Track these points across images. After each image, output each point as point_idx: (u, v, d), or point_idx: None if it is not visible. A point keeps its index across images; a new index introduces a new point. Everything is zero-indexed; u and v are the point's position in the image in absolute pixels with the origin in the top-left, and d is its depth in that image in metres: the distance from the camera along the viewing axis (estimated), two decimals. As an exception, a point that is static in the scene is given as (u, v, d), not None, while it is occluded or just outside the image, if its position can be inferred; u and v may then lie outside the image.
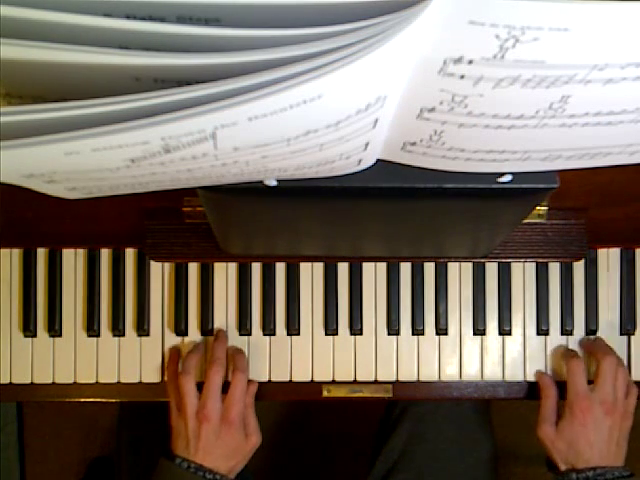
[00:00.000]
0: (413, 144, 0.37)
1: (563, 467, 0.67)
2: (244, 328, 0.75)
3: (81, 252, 0.75)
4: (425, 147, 0.37)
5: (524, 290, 0.75)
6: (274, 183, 0.42)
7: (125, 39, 0.27)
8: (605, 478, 0.65)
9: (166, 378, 0.73)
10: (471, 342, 0.75)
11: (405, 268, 0.75)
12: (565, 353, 0.73)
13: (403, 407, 0.86)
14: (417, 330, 0.75)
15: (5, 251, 0.75)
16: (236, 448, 0.68)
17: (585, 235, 0.72)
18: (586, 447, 0.66)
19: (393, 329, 0.75)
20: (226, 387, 0.70)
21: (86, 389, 0.74)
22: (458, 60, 0.27)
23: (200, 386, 0.69)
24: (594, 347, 0.72)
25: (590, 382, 0.69)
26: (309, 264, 0.75)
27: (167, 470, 0.66)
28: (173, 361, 0.73)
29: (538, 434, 0.69)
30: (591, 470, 0.65)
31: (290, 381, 0.74)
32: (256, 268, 0.75)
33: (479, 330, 0.75)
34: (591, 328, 0.75)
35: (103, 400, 0.75)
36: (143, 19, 0.27)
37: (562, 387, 0.71)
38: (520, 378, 0.75)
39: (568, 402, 0.68)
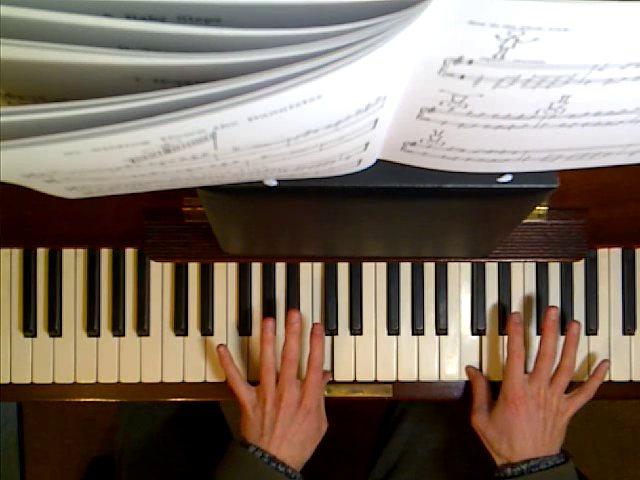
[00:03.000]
0: (413, 144, 0.37)
1: (499, 461, 0.67)
2: (244, 328, 0.75)
3: (81, 252, 0.75)
4: (425, 147, 0.37)
5: (524, 290, 0.75)
6: (274, 183, 0.42)
7: (125, 39, 0.27)
8: (540, 469, 0.65)
9: (227, 379, 0.71)
10: (471, 342, 0.75)
11: (405, 268, 0.75)
12: (510, 349, 0.70)
13: (404, 407, 0.86)
14: (417, 330, 0.75)
15: (5, 251, 0.75)
16: (311, 436, 0.69)
17: (585, 235, 0.72)
18: (519, 436, 0.66)
19: (393, 329, 0.75)
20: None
21: (86, 389, 0.74)
22: (458, 60, 0.27)
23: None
24: (567, 345, 0.71)
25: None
26: (309, 264, 0.75)
27: (239, 457, 0.66)
28: (225, 360, 0.71)
29: (472, 423, 0.70)
30: (525, 463, 0.65)
31: (290, 381, 0.74)
32: (256, 268, 0.75)
33: (479, 330, 0.75)
34: (591, 328, 0.75)
35: (103, 400, 0.75)
36: (143, 19, 0.27)
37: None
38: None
39: (503, 392, 0.68)
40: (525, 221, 0.71)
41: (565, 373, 0.69)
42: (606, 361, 0.73)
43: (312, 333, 0.71)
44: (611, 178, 0.71)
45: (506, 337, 0.75)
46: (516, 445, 0.66)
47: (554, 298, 0.75)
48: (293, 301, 0.75)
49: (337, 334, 0.75)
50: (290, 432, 0.67)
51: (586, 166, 0.41)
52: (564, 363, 0.69)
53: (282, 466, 0.66)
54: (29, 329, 0.74)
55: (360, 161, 0.40)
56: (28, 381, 0.74)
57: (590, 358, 0.75)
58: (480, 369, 0.75)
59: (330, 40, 0.26)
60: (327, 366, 0.75)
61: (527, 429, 0.66)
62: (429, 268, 0.76)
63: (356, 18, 0.26)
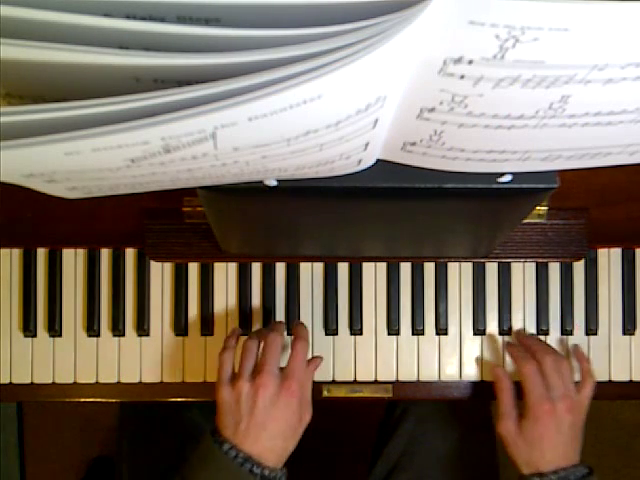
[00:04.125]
0: (413, 144, 0.37)
1: (526, 470, 0.65)
2: (244, 328, 0.75)
3: (81, 252, 0.75)
4: (425, 147, 0.37)
5: (524, 290, 0.75)
6: (274, 183, 0.42)
7: (125, 39, 0.27)
8: (568, 479, 0.64)
9: (223, 347, 0.66)
10: (471, 342, 0.75)
11: (405, 268, 0.75)
12: (514, 354, 0.71)
13: (404, 407, 0.86)
14: (417, 330, 0.75)
15: (5, 251, 0.75)
16: (293, 424, 0.62)
17: (585, 235, 0.72)
18: (549, 449, 0.64)
19: (393, 329, 0.75)
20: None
21: (86, 389, 0.74)
22: (458, 60, 0.27)
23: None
24: (529, 344, 0.71)
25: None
26: (309, 264, 0.75)
27: (211, 455, 0.60)
28: (235, 334, 0.68)
29: (498, 430, 0.67)
30: (554, 474, 0.64)
31: (290, 381, 0.74)
32: (256, 268, 0.75)
33: (479, 330, 0.75)
34: (591, 328, 0.75)
35: (103, 400, 0.75)
36: (143, 19, 0.27)
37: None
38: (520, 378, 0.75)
39: (530, 405, 0.66)
40: (525, 221, 0.71)
41: (566, 368, 0.68)
42: (577, 345, 0.74)
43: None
44: (611, 178, 0.71)
45: (506, 337, 0.75)
46: (546, 456, 0.64)
47: (554, 298, 0.75)
48: (293, 301, 0.75)
49: (337, 334, 0.75)
50: (270, 418, 0.60)
51: (586, 166, 0.41)
52: (563, 359, 0.69)
53: (257, 467, 0.59)
54: (29, 329, 0.74)
55: (360, 161, 0.40)
56: (28, 381, 0.74)
57: (590, 358, 0.75)
58: (480, 369, 0.75)
59: (330, 40, 0.26)
60: (327, 366, 0.74)
61: (558, 440, 0.65)
62: (429, 268, 0.76)
63: (356, 18, 0.26)
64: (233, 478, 0.59)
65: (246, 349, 0.64)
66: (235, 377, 0.62)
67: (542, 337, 0.75)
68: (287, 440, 0.62)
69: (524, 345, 0.72)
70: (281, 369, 0.64)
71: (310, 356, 0.72)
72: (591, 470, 0.66)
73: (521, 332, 0.75)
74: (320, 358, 0.71)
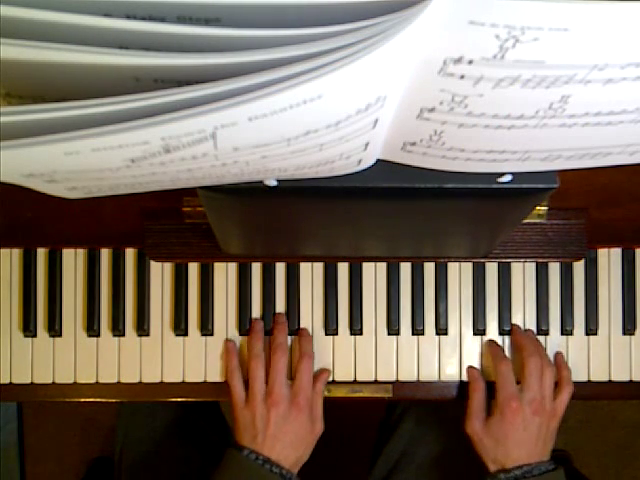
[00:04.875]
0: (413, 144, 0.37)
1: (492, 467, 0.67)
2: (244, 328, 0.75)
3: (81, 252, 0.75)
4: (425, 147, 0.37)
5: (524, 290, 0.75)
6: (274, 183, 0.42)
7: (125, 39, 0.27)
8: (532, 475, 0.65)
9: (226, 373, 0.72)
10: (471, 342, 0.75)
11: (405, 268, 0.75)
12: (492, 352, 0.73)
13: (404, 407, 0.86)
14: (417, 330, 0.75)
15: (5, 251, 0.75)
16: (304, 436, 0.68)
17: (585, 235, 0.72)
18: (514, 446, 0.66)
19: (393, 329, 0.75)
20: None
21: (86, 389, 0.74)
22: (458, 60, 0.27)
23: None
24: (522, 344, 0.72)
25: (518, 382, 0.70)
26: (309, 264, 0.75)
27: (234, 461, 0.66)
28: (232, 354, 0.72)
29: (466, 429, 0.69)
30: (518, 469, 0.66)
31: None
32: (256, 268, 0.75)
33: (479, 330, 0.75)
34: (591, 328, 0.75)
35: (103, 400, 0.75)
36: (143, 19, 0.27)
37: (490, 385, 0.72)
38: (520, 378, 0.75)
39: (498, 403, 0.68)
40: (525, 221, 0.71)
41: (549, 374, 0.69)
42: (559, 353, 0.74)
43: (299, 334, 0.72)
44: (611, 178, 0.71)
45: (506, 337, 0.75)
46: (512, 454, 0.66)
47: (554, 298, 0.75)
48: (293, 301, 0.75)
49: (337, 334, 0.75)
50: (282, 432, 0.67)
51: (586, 166, 0.41)
52: (549, 365, 0.70)
53: (277, 467, 0.66)
54: (29, 329, 0.74)
55: (360, 161, 0.40)
56: (28, 381, 0.74)
57: (590, 358, 0.75)
58: (480, 369, 0.75)
59: (330, 40, 0.26)
60: (327, 366, 0.74)
61: (523, 438, 0.66)
62: (429, 268, 0.76)
63: (356, 18, 0.26)
64: (255, 476, 0.65)
65: (253, 373, 0.69)
66: (249, 399, 0.69)
67: (542, 337, 0.75)
68: (299, 449, 0.68)
69: (517, 343, 0.73)
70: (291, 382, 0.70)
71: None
72: (557, 466, 0.67)
73: (519, 329, 0.75)
74: (327, 372, 0.73)
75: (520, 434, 0.66)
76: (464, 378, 0.75)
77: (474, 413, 0.69)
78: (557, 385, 0.71)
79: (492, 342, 0.74)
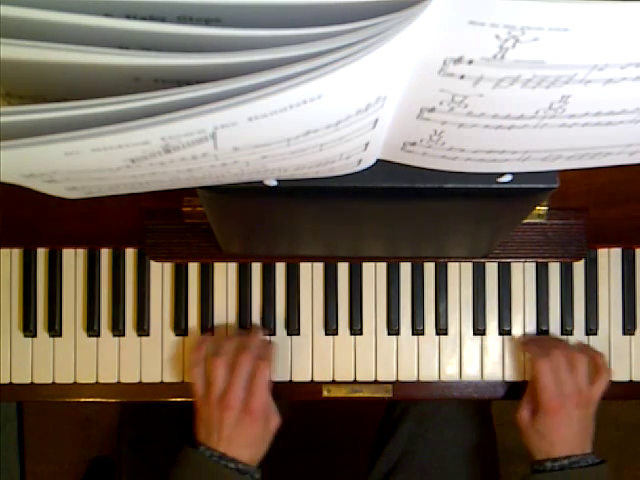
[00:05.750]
0: (413, 144, 0.37)
1: (539, 456, 0.68)
2: (244, 328, 0.75)
3: (81, 252, 0.75)
4: (425, 147, 0.37)
5: (524, 290, 0.75)
6: (274, 183, 0.42)
7: (125, 39, 0.27)
8: (580, 466, 0.66)
9: (190, 363, 0.71)
10: (471, 342, 0.75)
11: (405, 268, 0.75)
12: (530, 350, 0.73)
13: (404, 407, 0.86)
14: (417, 330, 0.75)
15: (5, 251, 0.75)
16: (258, 436, 0.68)
17: (585, 235, 0.72)
18: (559, 441, 0.67)
19: (393, 329, 0.75)
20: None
21: (86, 389, 0.74)
22: (458, 60, 0.27)
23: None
24: (543, 344, 0.72)
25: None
26: (309, 264, 0.75)
27: (190, 457, 0.66)
28: (198, 348, 0.71)
29: (515, 416, 0.70)
30: (566, 459, 0.67)
31: (290, 381, 0.74)
32: (256, 268, 0.75)
33: (479, 330, 0.75)
34: (591, 328, 0.75)
35: (103, 400, 0.75)
36: (143, 19, 0.27)
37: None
38: (520, 378, 0.75)
39: (541, 401, 0.68)
40: (525, 221, 0.71)
41: (581, 363, 0.69)
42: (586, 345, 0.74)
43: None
44: (611, 178, 0.71)
45: (506, 337, 0.75)
46: (557, 446, 0.67)
47: (554, 298, 0.75)
48: (293, 301, 0.75)
49: (337, 334, 0.75)
50: (235, 434, 0.66)
51: (586, 166, 0.41)
52: (577, 354, 0.70)
53: (232, 462, 0.65)
54: (29, 329, 0.74)
55: (360, 161, 0.40)
56: (28, 381, 0.74)
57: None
58: (481, 369, 0.75)
59: (330, 40, 0.26)
60: (327, 366, 0.75)
61: (567, 433, 0.67)
62: (429, 268, 0.75)
63: (356, 18, 0.26)
64: (211, 473, 0.65)
65: (212, 372, 0.68)
66: (207, 397, 0.67)
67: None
68: (255, 447, 0.68)
69: (537, 340, 0.73)
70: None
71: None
72: (602, 460, 0.68)
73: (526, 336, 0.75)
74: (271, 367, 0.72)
75: (564, 429, 0.67)
76: (464, 378, 0.75)
77: (525, 402, 0.70)
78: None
79: (528, 341, 0.74)
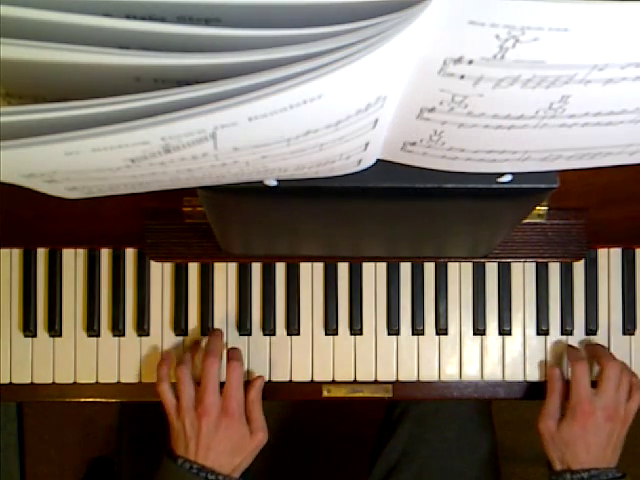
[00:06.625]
0: (413, 144, 0.37)
1: (559, 466, 0.67)
2: (244, 328, 0.75)
3: (81, 252, 0.75)
4: (425, 147, 0.37)
5: (524, 290, 0.75)
6: (274, 183, 0.42)
7: (125, 39, 0.27)
8: (599, 479, 0.65)
9: (156, 380, 0.70)
10: (471, 342, 0.75)
11: (405, 268, 0.75)
12: (570, 354, 0.73)
13: (404, 407, 0.86)
14: (417, 330, 0.75)
15: (5, 251, 0.75)
16: (239, 443, 0.66)
17: (585, 235, 0.72)
18: (583, 450, 0.66)
19: (393, 329, 0.75)
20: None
21: (86, 389, 0.74)
22: (458, 60, 0.27)
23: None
24: (597, 352, 0.72)
25: (593, 383, 0.69)
26: (309, 264, 0.75)
27: (169, 471, 0.65)
28: (165, 362, 0.71)
29: (539, 427, 0.69)
30: (586, 472, 0.65)
31: (290, 381, 0.74)
32: (256, 268, 0.75)
33: (479, 330, 0.75)
34: (591, 328, 0.75)
35: (103, 400, 0.75)
36: (143, 19, 0.27)
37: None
38: (520, 378, 0.75)
39: (571, 404, 0.68)
40: (525, 221, 0.71)
41: (627, 381, 0.69)
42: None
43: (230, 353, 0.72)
44: (611, 178, 0.71)
45: (506, 337, 0.75)
46: (580, 457, 0.66)
47: (554, 298, 0.75)
48: (293, 301, 0.75)
49: (337, 334, 0.75)
50: (215, 440, 0.65)
51: (586, 166, 0.41)
52: (628, 373, 0.70)
53: (212, 474, 0.64)
54: (29, 329, 0.74)
55: (360, 161, 0.40)
56: (28, 381, 0.74)
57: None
58: (481, 369, 0.75)
59: (330, 40, 0.26)
60: (327, 366, 0.75)
61: (593, 442, 0.66)
62: (429, 268, 0.76)
63: (356, 18, 0.26)
64: None
65: (179, 381, 0.68)
66: (179, 408, 0.67)
67: (542, 337, 0.75)
68: (235, 456, 0.66)
69: (594, 351, 0.73)
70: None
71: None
72: (624, 474, 0.67)
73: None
74: (261, 378, 0.72)
75: (590, 438, 0.66)
76: (464, 378, 0.75)
77: (549, 413, 0.69)
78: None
79: (572, 346, 0.74)
